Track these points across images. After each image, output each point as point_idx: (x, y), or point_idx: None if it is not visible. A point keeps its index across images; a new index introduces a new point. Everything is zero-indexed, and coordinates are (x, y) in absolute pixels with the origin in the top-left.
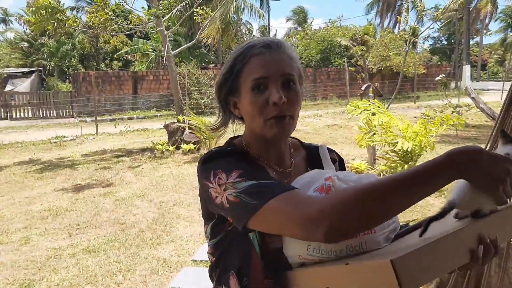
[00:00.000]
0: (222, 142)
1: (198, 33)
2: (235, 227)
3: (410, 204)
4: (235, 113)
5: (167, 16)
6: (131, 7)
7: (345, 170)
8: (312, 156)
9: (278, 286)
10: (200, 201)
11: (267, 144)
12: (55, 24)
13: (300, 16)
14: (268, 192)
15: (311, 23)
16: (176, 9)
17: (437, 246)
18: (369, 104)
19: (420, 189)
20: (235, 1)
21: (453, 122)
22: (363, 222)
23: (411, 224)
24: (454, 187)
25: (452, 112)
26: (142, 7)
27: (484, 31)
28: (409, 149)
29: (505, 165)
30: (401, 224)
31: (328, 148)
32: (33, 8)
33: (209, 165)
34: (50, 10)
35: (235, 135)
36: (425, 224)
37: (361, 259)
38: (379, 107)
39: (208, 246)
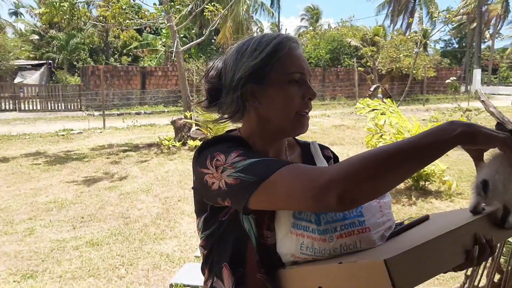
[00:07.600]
0: None
1: (208, 29)
2: (230, 218)
3: (421, 167)
4: (250, 102)
5: (178, 18)
6: (142, 1)
7: None
8: (307, 153)
9: (270, 282)
10: (193, 194)
11: (271, 140)
12: (67, 17)
13: (313, 16)
14: (272, 166)
15: (328, 25)
16: (186, 9)
17: (432, 246)
18: (380, 103)
19: (431, 152)
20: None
21: None
22: (375, 186)
23: (405, 222)
24: (487, 164)
25: (462, 116)
26: (154, 4)
27: (496, 35)
28: None
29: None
30: (396, 222)
31: (320, 145)
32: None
33: (206, 151)
34: (63, 1)
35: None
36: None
37: (355, 258)
38: (390, 106)
39: (200, 239)
